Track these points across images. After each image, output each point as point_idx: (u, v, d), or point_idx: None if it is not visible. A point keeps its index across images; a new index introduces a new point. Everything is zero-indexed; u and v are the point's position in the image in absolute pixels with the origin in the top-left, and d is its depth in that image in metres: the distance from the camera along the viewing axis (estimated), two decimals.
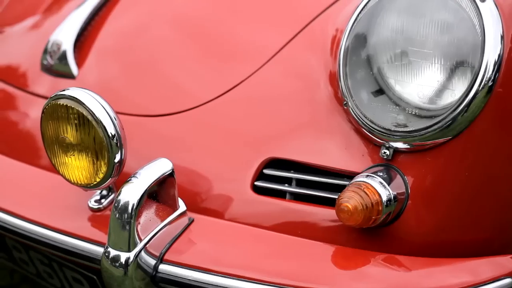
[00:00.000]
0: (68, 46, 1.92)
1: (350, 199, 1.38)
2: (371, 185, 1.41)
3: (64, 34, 1.94)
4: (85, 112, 1.46)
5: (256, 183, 1.58)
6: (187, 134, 1.70)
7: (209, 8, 1.89)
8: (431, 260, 1.44)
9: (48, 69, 1.95)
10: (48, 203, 1.66)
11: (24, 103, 1.95)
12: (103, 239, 1.51)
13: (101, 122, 1.46)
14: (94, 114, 1.46)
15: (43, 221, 1.61)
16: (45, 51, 1.95)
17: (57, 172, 1.58)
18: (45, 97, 1.90)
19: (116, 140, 1.46)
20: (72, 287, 1.75)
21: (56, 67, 1.93)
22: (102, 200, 1.60)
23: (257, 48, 1.75)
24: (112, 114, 1.47)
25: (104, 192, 1.61)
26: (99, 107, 1.46)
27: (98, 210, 1.59)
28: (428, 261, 1.43)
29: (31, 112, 1.92)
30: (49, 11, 2.16)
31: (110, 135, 1.46)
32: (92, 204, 1.60)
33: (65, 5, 2.13)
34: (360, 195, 1.39)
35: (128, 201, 1.42)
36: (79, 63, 1.91)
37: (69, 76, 1.90)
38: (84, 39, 1.95)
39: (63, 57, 1.91)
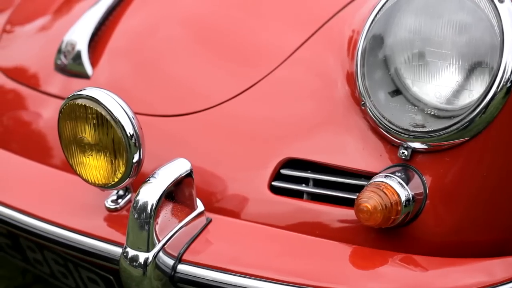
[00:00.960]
0: (82, 46, 1.91)
1: (369, 199, 1.38)
2: (390, 185, 1.41)
3: (78, 34, 1.94)
4: (103, 112, 1.46)
5: (273, 183, 1.57)
6: (203, 134, 1.69)
7: (224, 8, 1.89)
8: (447, 260, 1.43)
9: (62, 69, 1.94)
10: (63, 203, 1.66)
11: (37, 103, 1.95)
12: (120, 239, 1.51)
13: (119, 122, 1.45)
14: (112, 114, 1.45)
15: (59, 220, 1.61)
16: (59, 51, 1.94)
17: (73, 172, 1.57)
18: (59, 97, 1.90)
19: (135, 140, 1.46)
20: (87, 287, 1.75)
21: (70, 67, 1.92)
22: (119, 200, 1.59)
23: (272, 48, 1.75)
24: (131, 114, 1.47)
25: (121, 192, 1.60)
26: (117, 107, 1.46)
27: (115, 210, 1.59)
28: (444, 261, 1.43)
29: (44, 112, 1.92)
30: (60, 11, 2.16)
31: (129, 134, 1.46)
32: (109, 204, 1.59)
33: (76, 5, 2.13)
34: (379, 195, 1.39)
35: (147, 201, 1.42)
36: (94, 63, 1.91)
37: (84, 76, 1.90)
38: (98, 39, 1.94)
39: (77, 57, 1.91)
